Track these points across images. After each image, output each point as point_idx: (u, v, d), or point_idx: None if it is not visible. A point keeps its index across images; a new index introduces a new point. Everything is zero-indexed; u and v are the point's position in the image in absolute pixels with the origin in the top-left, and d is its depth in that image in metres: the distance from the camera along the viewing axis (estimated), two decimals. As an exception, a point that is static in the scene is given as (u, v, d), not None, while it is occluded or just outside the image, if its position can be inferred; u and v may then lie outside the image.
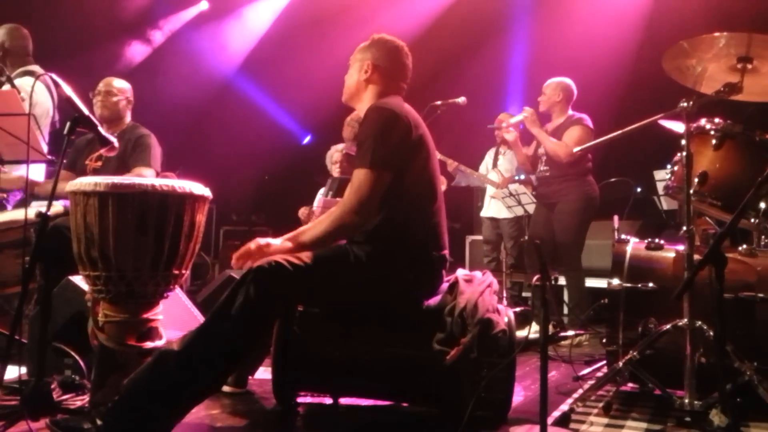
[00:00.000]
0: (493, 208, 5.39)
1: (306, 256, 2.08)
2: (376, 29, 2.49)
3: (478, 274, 2.44)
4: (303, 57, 7.01)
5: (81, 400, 2.30)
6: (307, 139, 9.31)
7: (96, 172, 3.30)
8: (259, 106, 8.06)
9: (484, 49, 6.74)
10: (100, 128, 2.25)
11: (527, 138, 4.62)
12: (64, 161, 3.50)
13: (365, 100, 2.38)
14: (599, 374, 2.94)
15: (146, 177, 3.21)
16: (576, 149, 3.70)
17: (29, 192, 3.21)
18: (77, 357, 2.46)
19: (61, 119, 3.67)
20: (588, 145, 3.56)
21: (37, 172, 3.57)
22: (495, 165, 5.51)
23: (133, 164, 3.27)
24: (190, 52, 7.18)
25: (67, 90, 2.17)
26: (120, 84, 3.51)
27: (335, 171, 4.70)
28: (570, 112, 4.35)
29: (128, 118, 3.51)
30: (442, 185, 4.50)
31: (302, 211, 4.36)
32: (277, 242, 2.19)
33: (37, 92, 3.50)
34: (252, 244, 2.19)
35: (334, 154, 4.70)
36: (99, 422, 1.87)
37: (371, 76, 2.37)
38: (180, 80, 6.89)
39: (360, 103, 2.41)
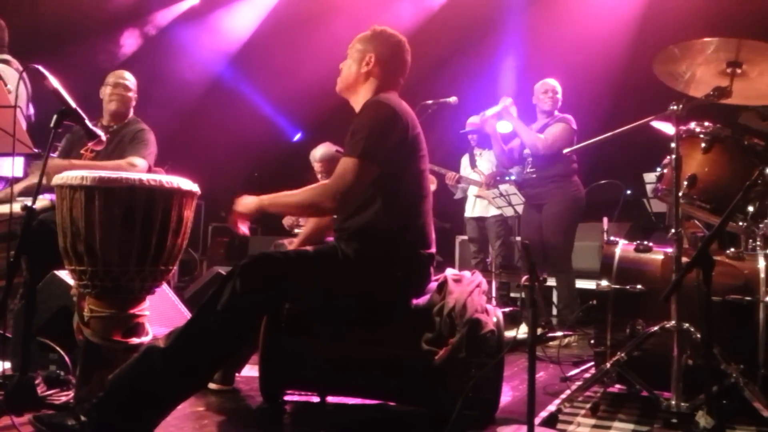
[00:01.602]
0: (478, 208, 5.39)
1: (295, 252, 2.07)
2: (368, 26, 2.47)
3: (467, 273, 2.44)
4: (294, 54, 6.99)
5: (66, 396, 2.28)
6: (297, 137, 9.28)
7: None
8: (249, 102, 8.02)
9: (476, 50, 6.75)
10: (87, 122, 2.22)
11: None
12: (59, 150, 3.49)
13: (362, 92, 2.35)
14: (587, 375, 2.95)
15: (137, 166, 3.20)
16: (566, 150, 3.71)
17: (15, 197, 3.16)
18: (62, 352, 2.44)
19: (39, 114, 3.63)
20: (579, 146, 3.57)
21: (17, 166, 3.52)
22: (474, 166, 5.52)
23: (129, 154, 3.26)
24: (181, 46, 7.13)
25: (54, 82, 2.14)
26: (132, 79, 3.51)
27: (321, 179, 4.67)
28: (556, 113, 4.38)
29: (131, 112, 3.51)
30: (432, 185, 4.50)
31: None
32: (252, 199, 2.23)
33: (12, 83, 3.46)
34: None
35: (314, 164, 4.64)
36: (83, 418, 1.85)
37: (372, 69, 2.33)
38: (170, 75, 6.85)
39: (356, 95, 2.37)
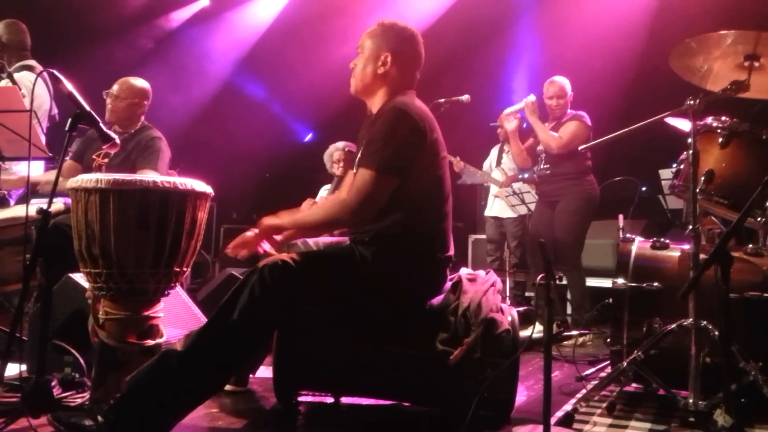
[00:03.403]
0: (496, 207, 5.36)
1: (313, 254, 2.06)
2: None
3: (481, 273, 2.43)
4: (305, 54, 7.00)
5: (81, 398, 2.29)
6: (308, 137, 9.30)
7: (101, 168, 3.30)
8: (260, 103, 8.05)
9: (489, 47, 6.72)
10: (101, 124, 2.23)
11: (526, 136, 4.59)
12: (72, 152, 3.51)
13: (379, 94, 2.28)
14: (603, 374, 2.91)
15: None
16: (581, 147, 3.67)
17: (32, 190, 3.19)
18: (77, 354, 2.45)
19: (61, 115, 3.66)
20: (593, 143, 3.54)
21: (36, 167, 3.56)
22: (499, 163, 5.48)
23: (140, 165, 3.26)
24: (191, 48, 7.16)
25: (69, 86, 2.15)
26: (136, 86, 3.46)
27: (336, 170, 4.69)
28: (569, 111, 4.33)
29: (141, 119, 3.48)
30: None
31: (306, 204, 4.36)
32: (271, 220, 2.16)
33: (36, 85, 3.49)
34: (249, 232, 2.16)
35: (335, 152, 4.68)
36: (100, 419, 1.86)
37: (389, 70, 2.25)
38: (181, 77, 6.88)
39: (373, 97, 2.30)
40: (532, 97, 4.25)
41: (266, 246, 2.18)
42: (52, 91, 3.59)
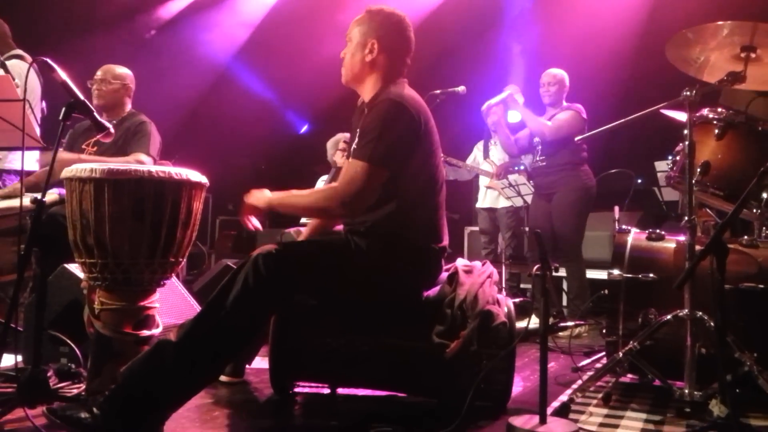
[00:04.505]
0: (489, 198, 5.36)
1: (307, 244, 2.06)
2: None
3: (477, 264, 2.43)
4: (301, 45, 6.96)
5: (77, 388, 2.29)
6: (304, 128, 9.27)
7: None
8: (256, 94, 8.01)
9: (485, 38, 6.70)
10: (95, 114, 2.21)
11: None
12: (63, 146, 3.49)
13: (369, 82, 2.27)
14: (598, 365, 2.93)
15: (144, 163, 3.19)
16: (577, 138, 3.67)
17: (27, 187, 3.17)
18: (73, 345, 2.44)
19: (49, 105, 3.64)
20: (590, 133, 3.54)
21: (30, 159, 3.54)
22: (486, 155, 5.47)
23: (132, 150, 3.25)
24: (187, 38, 7.11)
25: (62, 74, 2.13)
26: (118, 71, 3.46)
27: (339, 157, 4.68)
28: (564, 103, 4.33)
29: (128, 105, 3.48)
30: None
31: None
32: (262, 194, 2.20)
33: (22, 78, 3.47)
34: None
35: (341, 141, 4.66)
36: (96, 411, 1.85)
37: (377, 57, 2.23)
38: (176, 68, 6.84)
39: (363, 85, 2.29)
40: (513, 87, 4.26)
41: (256, 223, 2.21)
42: (42, 83, 3.58)
